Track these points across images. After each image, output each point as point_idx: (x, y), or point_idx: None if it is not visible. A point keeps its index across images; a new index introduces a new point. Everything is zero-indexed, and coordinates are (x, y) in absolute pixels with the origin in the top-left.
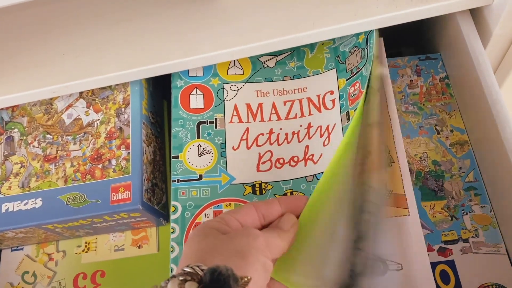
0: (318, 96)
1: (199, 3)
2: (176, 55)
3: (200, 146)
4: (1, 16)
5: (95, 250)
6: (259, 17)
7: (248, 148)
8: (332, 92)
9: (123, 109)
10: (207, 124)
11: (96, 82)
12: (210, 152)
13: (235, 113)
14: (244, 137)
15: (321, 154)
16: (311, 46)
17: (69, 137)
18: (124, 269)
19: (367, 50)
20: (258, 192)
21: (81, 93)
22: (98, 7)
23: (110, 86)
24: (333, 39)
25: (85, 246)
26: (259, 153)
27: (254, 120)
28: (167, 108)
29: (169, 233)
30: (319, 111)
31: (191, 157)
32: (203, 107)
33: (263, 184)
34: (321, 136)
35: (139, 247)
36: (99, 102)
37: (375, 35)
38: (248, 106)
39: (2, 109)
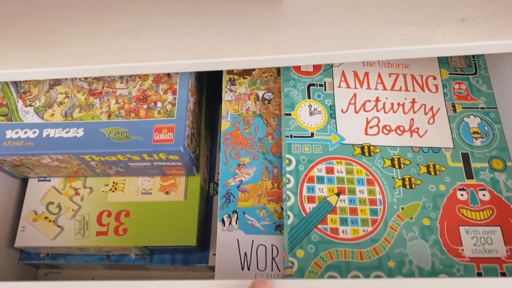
0: (421, 76)
1: (264, 3)
2: (230, 53)
3: (311, 106)
4: None
5: (122, 190)
6: (322, 27)
7: (356, 112)
8: (434, 78)
9: None
10: (317, 86)
11: (147, 68)
12: (321, 113)
13: (343, 79)
14: (352, 101)
15: (426, 130)
16: None
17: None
18: (149, 212)
19: (476, 65)
20: (367, 154)
21: None
22: None
23: None
24: None
25: (113, 186)
26: (367, 118)
27: (361, 87)
28: None
29: (198, 184)
30: (423, 90)
31: (302, 115)
32: (313, 70)
33: (371, 147)
34: (426, 114)
35: (166, 193)
36: None
37: None
38: (355, 74)
39: None
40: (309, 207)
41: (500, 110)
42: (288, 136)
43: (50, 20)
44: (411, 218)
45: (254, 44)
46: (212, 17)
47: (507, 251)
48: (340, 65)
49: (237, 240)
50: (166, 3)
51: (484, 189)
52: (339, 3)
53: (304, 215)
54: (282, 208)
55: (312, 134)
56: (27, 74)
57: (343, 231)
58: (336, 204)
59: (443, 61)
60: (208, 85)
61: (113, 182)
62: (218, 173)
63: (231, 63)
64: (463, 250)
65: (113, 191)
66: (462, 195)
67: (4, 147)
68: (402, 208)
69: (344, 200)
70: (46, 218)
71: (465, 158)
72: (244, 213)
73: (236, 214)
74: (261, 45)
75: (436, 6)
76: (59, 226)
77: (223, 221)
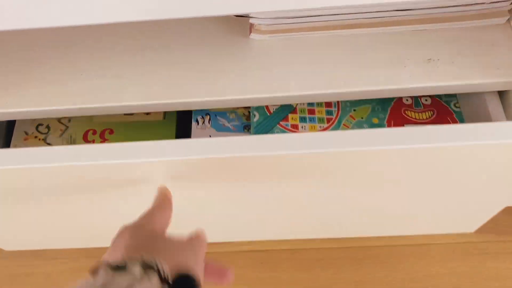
0: None
1: (232, 44)
2: (198, 94)
3: None
4: (26, 31)
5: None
6: (290, 68)
7: None
8: None
9: None
10: None
11: (112, 108)
12: None
13: None
14: None
15: None
16: None
17: None
18: (131, 130)
19: None
20: None
21: None
22: (124, 32)
23: None
24: None
25: None
26: None
27: None
28: None
29: None
30: None
31: None
32: None
33: None
34: None
35: (147, 114)
36: None
37: None
38: None
39: None
40: (272, 108)
41: None
42: None
43: (13, 60)
44: (362, 118)
45: (222, 85)
46: (179, 57)
47: None
48: None
49: (209, 135)
50: (132, 43)
51: (426, 96)
52: (306, 44)
53: (268, 114)
54: (249, 112)
55: None
56: None
57: (302, 127)
58: (296, 106)
59: None
60: None
61: None
62: None
63: (200, 103)
64: None
65: None
66: (407, 100)
67: None
68: (354, 110)
69: (303, 103)
70: (36, 137)
71: None
72: (215, 115)
73: (208, 116)
74: (228, 86)
75: (402, 47)
76: (48, 143)
77: (197, 121)
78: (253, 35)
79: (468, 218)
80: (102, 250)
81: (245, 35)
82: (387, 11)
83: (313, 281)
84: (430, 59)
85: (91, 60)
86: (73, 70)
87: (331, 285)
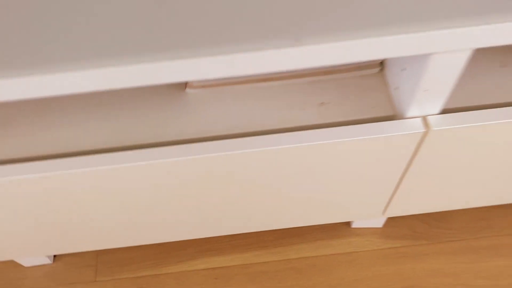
0: None
1: (169, 94)
2: (142, 139)
3: None
4: None
5: None
6: (215, 114)
7: None
8: None
9: None
10: None
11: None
12: None
13: None
14: None
15: None
16: None
17: None
18: None
19: None
20: None
21: None
22: None
23: None
24: None
25: None
26: None
27: None
28: None
29: None
30: None
31: None
32: None
33: None
34: None
35: None
36: None
37: None
38: None
39: None
40: None
41: None
42: None
43: None
44: None
45: (160, 131)
46: (122, 110)
47: None
48: None
49: None
50: (73, 99)
51: None
52: (231, 95)
53: None
54: None
55: None
56: None
57: None
58: None
59: None
60: None
61: None
62: None
63: (143, 146)
64: None
65: None
66: None
67: None
68: None
69: None
70: None
71: None
72: None
73: None
74: (165, 132)
75: (302, 94)
76: None
77: None
78: (188, 90)
79: (369, 205)
80: None
81: (182, 89)
82: None
83: None
84: (323, 102)
85: (39, 113)
86: (18, 123)
87: None
